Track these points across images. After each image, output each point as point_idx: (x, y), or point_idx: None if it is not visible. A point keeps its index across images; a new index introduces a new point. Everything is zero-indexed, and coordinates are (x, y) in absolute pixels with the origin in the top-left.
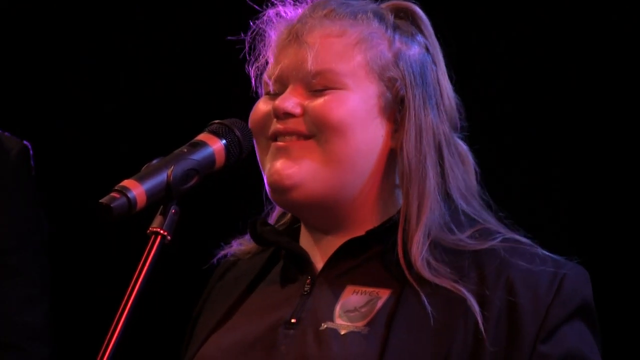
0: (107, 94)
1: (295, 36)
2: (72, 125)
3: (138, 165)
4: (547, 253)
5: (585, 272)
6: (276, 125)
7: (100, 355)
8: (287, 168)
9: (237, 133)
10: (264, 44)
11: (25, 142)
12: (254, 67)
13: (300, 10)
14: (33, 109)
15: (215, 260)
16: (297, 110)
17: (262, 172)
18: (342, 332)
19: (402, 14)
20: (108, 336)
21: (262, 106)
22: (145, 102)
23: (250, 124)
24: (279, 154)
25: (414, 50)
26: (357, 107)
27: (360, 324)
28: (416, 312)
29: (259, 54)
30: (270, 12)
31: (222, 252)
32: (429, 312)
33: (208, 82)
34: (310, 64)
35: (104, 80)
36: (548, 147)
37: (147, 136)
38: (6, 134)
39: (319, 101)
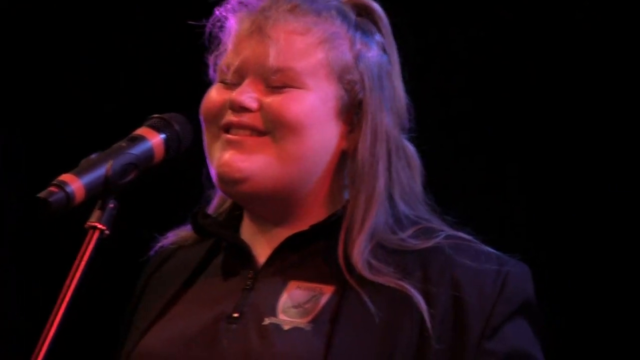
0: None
1: (258, 28)
2: (70, 125)
3: None
4: (490, 249)
5: (528, 269)
6: (230, 117)
7: (36, 351)
8: (238, 161)
9: (176, 127)
10: (225, 31)
11: None
12: (212, 54)
13: (263, 1)
14: (30, 108)
15: (152, 252)
16: (254, 105)
17: (208, 160)
18: (286, 328)
19: (362, 12)
20: (45, 331)
21: (217, 95)
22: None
23: (202, 111)
24: (230, 146)
25: (373, 52)
26: (315, 108)
27: (304, 320)
28: (360, 310)
29: (219, 41)
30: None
31: (159, 244)
32: (374, 309)
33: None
34: (272, 60)
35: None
36: (503, 145)
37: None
38: None
39: (277, 98)
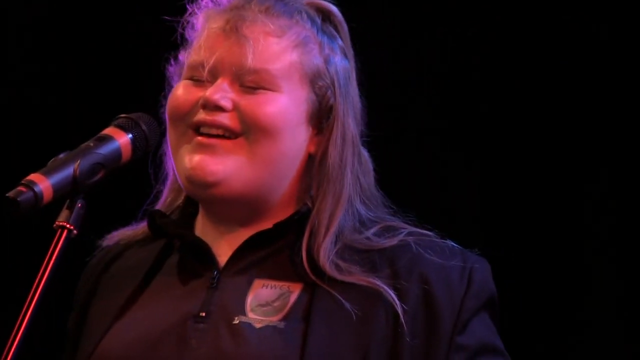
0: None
1: (234, 27)
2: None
3: None
4: (454, 244)
5: (488, 265)
6: (203, 115)
7: (5, 352)
8: (210, 164)
9: (144, 127)
10: (194, 29)
11: None
12: (182, 51)
13: (234, 0)
14: None
15: (94, 255)
16: (229, 105)
17: (174, 159)
18: (257, 326)
19: (325, 16)
20: (14, 332)
21: (186, 93)
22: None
23: (169, 109)
24: (201, 148)
25: (339, 57)
26: (288, 111)
27: (275, 318)
28: (333, 307)
29: (189, 39)
30: None
31: (105, 243)
32: (347, 306)
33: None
34: (250, 61)
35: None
36: (459, 143)
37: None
38: None
39: (251, 100)
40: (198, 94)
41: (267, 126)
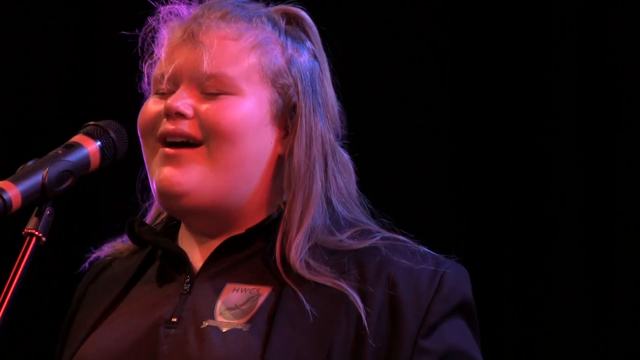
0: None
1: (190, 35)
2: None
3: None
4: (427, 250)
5: (465, 270)
6: (166, 126)
7: None
8: (176, 175)
9: (112, 135)
10: (156, 42)
11: None
12: (146, 65)
13: (193, 10)
14: None
15: (87, 263)
16: (189, 112)
17: (148, 173)
18: (224, 330)
19: (292, 20)
20: None
21: (152, 106)
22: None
23: (139, 125)
24: (168, 160)
25: (305, 57)
26: (250, 114)
27: (242, 320)
28: (297, 309)
29: (152, 51)
30: (164, 9)
31: (94, 255)
32: (310, 308)
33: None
34: (206, 66)
35: None
36: (434, 147)
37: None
38: None
39: (211, 106)
40: (162, 105)
41: (227, 132)
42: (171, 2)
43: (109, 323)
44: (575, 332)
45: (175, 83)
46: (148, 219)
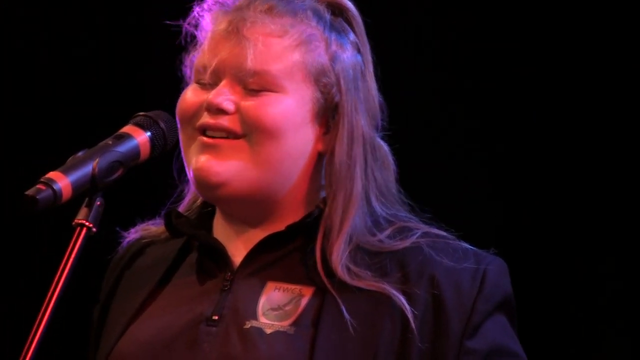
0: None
1: (235, 29)
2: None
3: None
4: (467, 246)
5: (505, 264)
6: (206, 119)
7: (25, 351)
8: (214, 165)
9: (162, 125)
10: (200, 30)
11: None
12: (189, 54)
13: (239, 1)
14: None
15: (120, 248)
16: (231, 108)
17: (185, 161)
18: (268, 332)
19: (336, 11)
20: (33, 330)
21: (193, 96)
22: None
23: (178, 112)
24: (206, 149)
25: (348, 53)
26: (292, 112)
27: (286, 323)
28: (341, 312)
29: (196, 41)
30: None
31: (127, 239)
32: (355, 312)
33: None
34: (250, 63)
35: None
36: (475, 141)
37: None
38: None
39: (254, 102)
40: (203, 97)
41: (270, 128)
42: None
43: (147, 316)
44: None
45: (217, 76)
46: (183, 206)
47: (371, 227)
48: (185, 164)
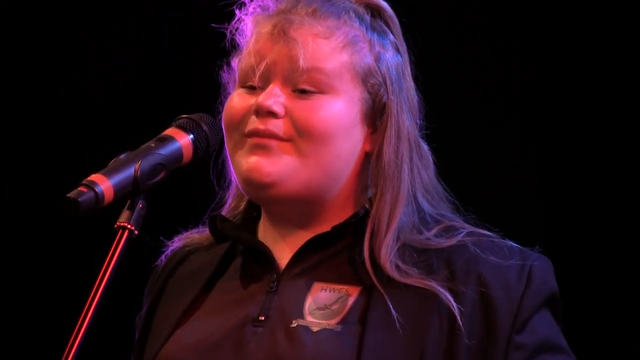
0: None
1: (281, 31)
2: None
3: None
4: (512, 243)
5: (550, 262)
6: (256, 124)
7: (66, 353)
8: (266, 165)
9: (205, 128)
10: (243, 34)
11: None
12: (232, 58)
13: (280, 3)
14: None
15: (163, 256)
16: (281, 111)
17: (232, 166)
18: (315, 330)
19: (375, 13)
20: (74, 333)
21: (240, 101)
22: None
23: (225, 118)
24: (257, 150)
25: (390, 53)
26: (342, 115)
27: (333, 321)
28: (388, 311)
29: (238, 45)
30: (250, 2)
31: (170, 248)
32: (402, 309)
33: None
34: (302, 62)
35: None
36: (516, 139)
37: (94, 132)
38: None
39: (304, 105)
40: (250, 101)
41: (320, 132)
42: None
43: (193, 320)
44: None
45: (265, 79)
46: (225, 212)
47: (418, 225)
48: (233, 169)
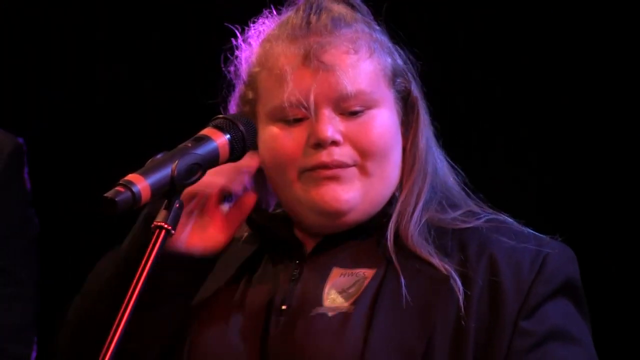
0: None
1: (314, 58)
2: (60, 121)
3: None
4: (531, 231)
5: (570, 251)
6: (321, 158)
7: (104, 351)
8: (342, 194)
9: (241, 128)
10: (262, 67)
11: (19, 139)
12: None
13: (293, 23)
14: (21, 104)
15: None
16: (341, 139)
17: (285, 198)
18: (330, 314)
19: (355, 8)
20: (112, 331)
21: (288, 138)
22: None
23: (275, 155)
24: (328, 181)
25: (396, 48)
26: (390, 123)
27: (347, 303)
28: (400, 291)
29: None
30: (258, 29)
31: None
32: (414, 291)
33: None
34: (349, 89)
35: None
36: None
37: (132, 133)
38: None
39: (359, 126)
40: (302, 134)
41: (380, 149)
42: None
43: (219, 307)
44: None
45: (312, 109)
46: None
47: (443, 205)
48: (288, 200)
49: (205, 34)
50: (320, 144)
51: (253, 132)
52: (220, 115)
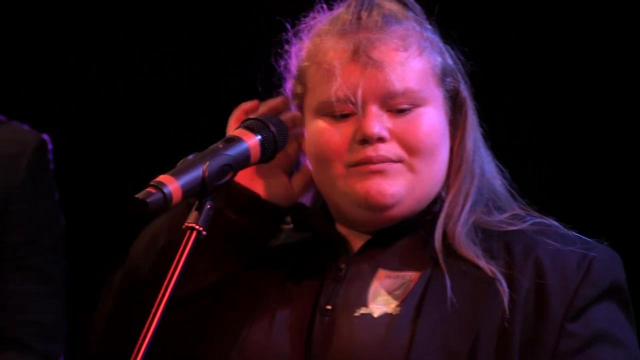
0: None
1: (363, 53)
2: (86, 119)
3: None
4: (578, 235)
5: (617, 255)
6: (367, 153)
7: (135, 352)
8: (387, 188)
9: (273, 129)
10: (311, 61)
11: (44, 135)
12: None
13: (340, 25)
14: (48, 101)
15: None
16: (387, 135)
17: (330, 192)
18: (375, 315)
19: (408, 7)
20: (144, 332)
21: (334, 132)
22: (162, 98)
23: (321, 150)
24: (373, 175)
25: (447, 47)
26: (438, 122)
27: (393, 304)
28: (445, 293)
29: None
30: (311, 24)
31: None
32: (460, 292)
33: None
34: (397, 86)
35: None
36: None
37: (162, 133)
38: (24, 127)
39: (406, 124)
40: (349, 129)
41: (428, 147)
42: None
43: (266, 306)
44: None
45: (359, 105)
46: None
47: (490, 208)
48: (331, 195)
49: (256, 28)
50: (366, 140)
51: (284, 133)
52: (252, 116)
